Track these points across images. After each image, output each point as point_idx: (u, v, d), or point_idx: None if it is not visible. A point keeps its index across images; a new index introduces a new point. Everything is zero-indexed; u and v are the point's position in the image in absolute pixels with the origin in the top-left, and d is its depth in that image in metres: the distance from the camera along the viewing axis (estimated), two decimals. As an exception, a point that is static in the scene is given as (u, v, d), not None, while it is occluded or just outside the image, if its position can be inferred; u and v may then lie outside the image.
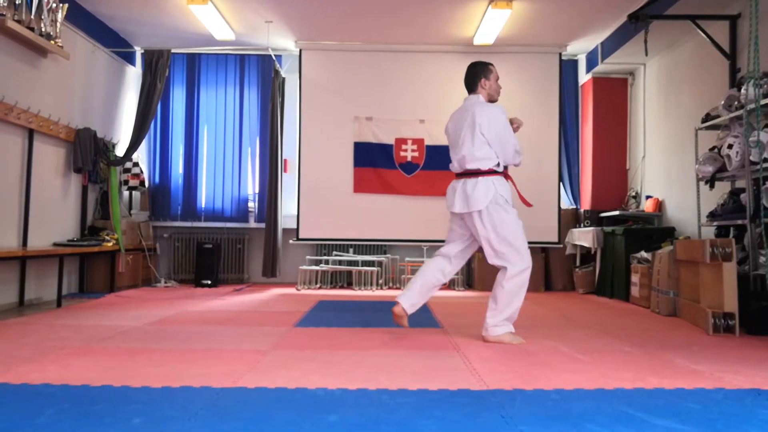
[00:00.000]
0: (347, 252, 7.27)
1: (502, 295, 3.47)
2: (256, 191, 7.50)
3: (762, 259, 3.98)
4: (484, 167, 3.50)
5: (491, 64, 3.70)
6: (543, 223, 7.04)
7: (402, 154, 7.13)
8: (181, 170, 7.51)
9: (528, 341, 3.50)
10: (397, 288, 7.03)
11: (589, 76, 7.37)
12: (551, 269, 7.14)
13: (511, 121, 3.63)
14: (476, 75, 3.65)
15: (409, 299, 3.64)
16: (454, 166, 3.65)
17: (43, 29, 5.11)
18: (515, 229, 3.49)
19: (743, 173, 4.23)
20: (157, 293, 6.14)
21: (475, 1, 5.84)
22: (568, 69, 7.50)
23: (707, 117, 4.85)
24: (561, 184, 7.26)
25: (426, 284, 3.67)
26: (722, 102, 4.54)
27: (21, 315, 4.52)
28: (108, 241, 5.97)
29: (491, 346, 3.37)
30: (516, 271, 3.47)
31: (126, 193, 7.05)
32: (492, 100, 3.68)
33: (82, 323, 4.09)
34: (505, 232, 3.47)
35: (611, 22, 6.33)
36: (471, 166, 3.52)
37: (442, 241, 3.87)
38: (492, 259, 3.55)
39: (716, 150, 4.67)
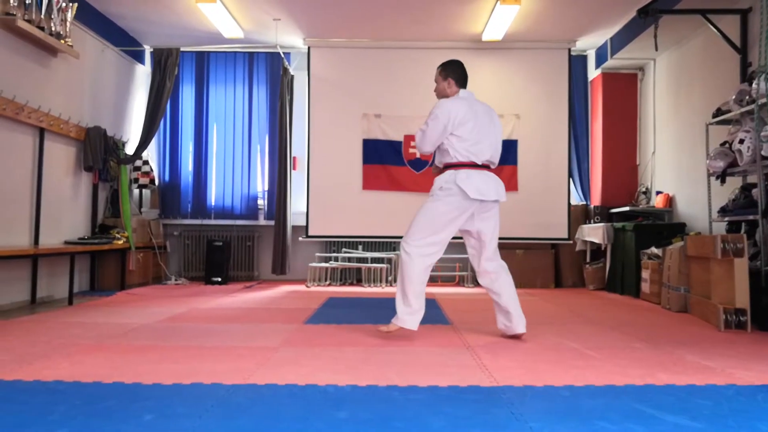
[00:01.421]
0: (356, 249, 7.28)
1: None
2: (266, 189, 7.51)
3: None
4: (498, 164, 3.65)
5: None
6: (553, 219, 7.03)
7: (411, 150, 7.11)
8: (190, 168, 7.53)
9: (538, 338, 3.51)
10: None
11: (598, 71, 7.33)
12: (561, 265, 7.11)
13: None
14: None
15: (418, 319, 3.47)
16: (483, 156, 3.44)
17: (53, 29, 5.15)
18: None
19: (755, 168, 4.19)
20: (167, 291, 6.18)
21: (483, -3, 5.83)
22: (577, 64, 7.46)
23: (718, 112, 4.82)
24: (571, 180, 7.22)
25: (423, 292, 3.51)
26: (733, 97, 4.51)
27: (33, 313, 4.56)
28: (118, 239, 6.01)
29: (500, 342, 3.37)
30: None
31: (136, 191, 7.08)
32: None
33: (93, 321, 4.12)
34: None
35: (620, 17, 6.28)
36: (496, 161, 3.58)
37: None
38: (491, 260, 3.53)
39: (727, 145, 4.63)
